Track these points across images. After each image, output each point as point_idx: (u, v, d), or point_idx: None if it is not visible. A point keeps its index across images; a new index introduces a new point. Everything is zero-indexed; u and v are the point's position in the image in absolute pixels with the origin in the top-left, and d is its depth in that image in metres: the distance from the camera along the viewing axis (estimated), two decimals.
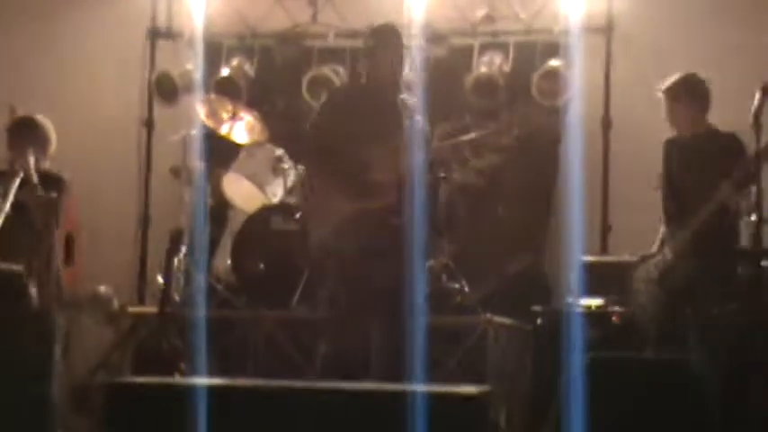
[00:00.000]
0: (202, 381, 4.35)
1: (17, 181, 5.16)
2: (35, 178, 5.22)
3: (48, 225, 5.32)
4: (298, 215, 6.75)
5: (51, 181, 5.40)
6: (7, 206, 5.07)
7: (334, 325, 5.22)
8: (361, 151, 5.07)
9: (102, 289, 6.73)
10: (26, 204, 5.23)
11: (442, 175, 6.02)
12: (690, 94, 5.26)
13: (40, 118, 5.59)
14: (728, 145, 5.20)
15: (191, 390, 3.61)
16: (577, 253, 5.91)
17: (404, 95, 5.36)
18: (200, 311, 6.13)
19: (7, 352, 4.61)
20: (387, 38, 5.40)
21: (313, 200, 5.96)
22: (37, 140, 5.47)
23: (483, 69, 7.28)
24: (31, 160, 5.25)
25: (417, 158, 5.21)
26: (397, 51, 5.41)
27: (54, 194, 5.39)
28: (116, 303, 6.79)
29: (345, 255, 5.25)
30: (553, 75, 7.03)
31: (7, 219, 5.10)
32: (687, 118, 5.24)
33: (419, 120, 5.35)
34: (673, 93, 5.26)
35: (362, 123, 5.17)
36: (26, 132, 5.52)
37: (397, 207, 5.08)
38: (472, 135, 6.10)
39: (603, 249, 7.03)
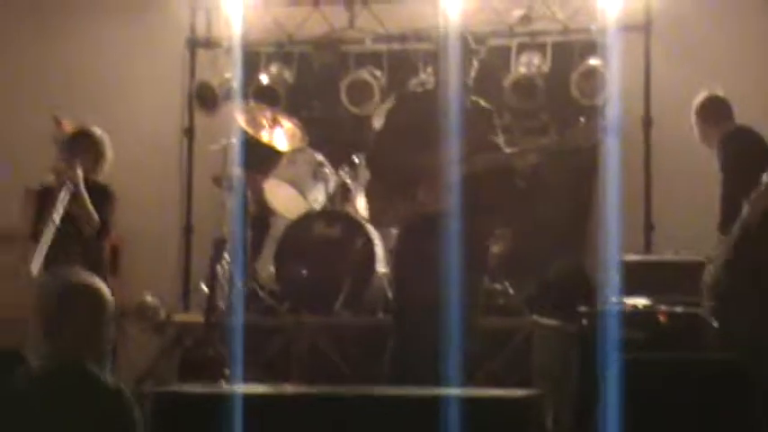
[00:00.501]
0: (248, 388, 4.43)
1: (66, 193, 5.20)
2: (83, 190, 5.25)
3: (96, 236, 5.39)
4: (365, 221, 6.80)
5: (99, 192, 5.44)
6: (57, 218, 5.10)
7: (398, 329, 5.30)
8: (425, 155, 5.12)
9: (148, 298, 6.78)
10: (75, 215, 5.27)
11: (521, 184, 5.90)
12: (713, 116, 5.53)
13: (97, 131, 5.65)
14: (756, 144, 5.41)
15: (236, 397, 3.70)
16: (619, 252, 6.01)
17: (476, 99, 5.37)
18: (244, 319, 6.24)
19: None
20: (452, 43, 5.44)
21: (374, 203, 6.00)
22: (89, 153, 5.52)
23: (521, 70, 7.28)
24: (80, 172, 5.27)
25: (484, 162, 5.25)
26: (463, 56, 5.41)
27: (102, 206, 5.45)
28: (162, 312, 6.82)
29: (403, 260, 5.41)
30: (592, 74, 6.98)
31: (56, 230, 5.15)
32: (716, 135, 5.50)
33: (491, 123, 5.41)
34: (697, 119, 5.55)
35: (428, 128, 5.18)
36: (79, 145, 5.59)
37: (456, 211, 5.06)
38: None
39: (647, 248, 7.00)
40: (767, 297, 5.21)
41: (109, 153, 5.67)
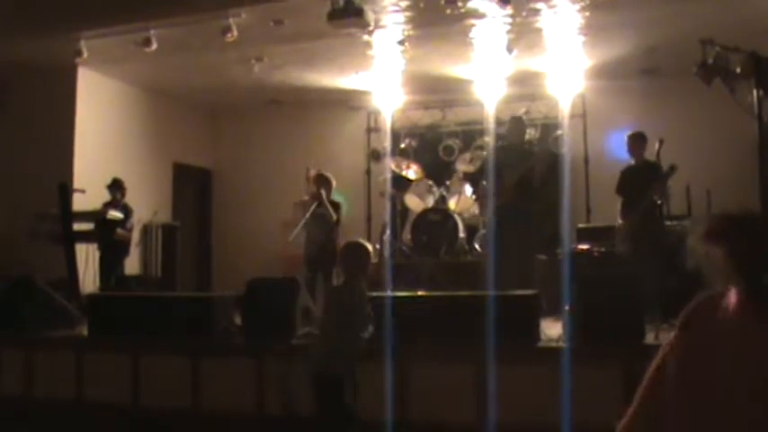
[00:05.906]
0: (396, 293, 5.98)
1: (313, 203, 8.08)
2: (326, 202, 8.04)
3: (336, 223, 8.09)
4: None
5: (333, 204, 8.15)
6: (308, 215, 7.91)
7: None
8: (505, 175, 7.56)
9: None
10: (319, 214, 7.99)
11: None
12: (635, 141, 7.36)
13: (326, 174, 8.21)
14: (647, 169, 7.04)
15: (390, 298, 5.46)
16: (574, 222, 8.40)
17: (528, 147, 8.17)
18: (394, 260, 8.92)
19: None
20: (515, 121, 8.21)
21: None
22: (325, 184, 8.15)
23: (527, 136, 9.38)
24: (323, 193, 8.05)
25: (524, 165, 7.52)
26: (521, 127, 8.13)
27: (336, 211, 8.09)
28: None
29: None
30: (559, 137, 10.04)
31: (306, 221, 7.82)
32: (635, 151, 7.34)
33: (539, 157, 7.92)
34: (629, 139, 7.38)
35: (506, 160, 7.61)
36: (318, 180, 8.21)
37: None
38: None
39: (588, 220, 9.47)
40: (643, 243, 6.87)
41: (333, 183, 8.10)
